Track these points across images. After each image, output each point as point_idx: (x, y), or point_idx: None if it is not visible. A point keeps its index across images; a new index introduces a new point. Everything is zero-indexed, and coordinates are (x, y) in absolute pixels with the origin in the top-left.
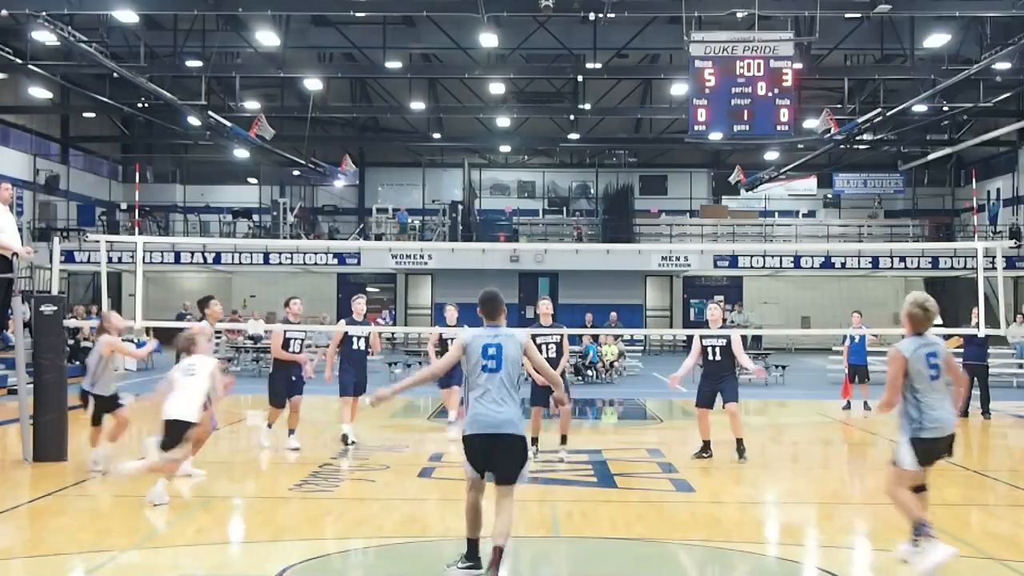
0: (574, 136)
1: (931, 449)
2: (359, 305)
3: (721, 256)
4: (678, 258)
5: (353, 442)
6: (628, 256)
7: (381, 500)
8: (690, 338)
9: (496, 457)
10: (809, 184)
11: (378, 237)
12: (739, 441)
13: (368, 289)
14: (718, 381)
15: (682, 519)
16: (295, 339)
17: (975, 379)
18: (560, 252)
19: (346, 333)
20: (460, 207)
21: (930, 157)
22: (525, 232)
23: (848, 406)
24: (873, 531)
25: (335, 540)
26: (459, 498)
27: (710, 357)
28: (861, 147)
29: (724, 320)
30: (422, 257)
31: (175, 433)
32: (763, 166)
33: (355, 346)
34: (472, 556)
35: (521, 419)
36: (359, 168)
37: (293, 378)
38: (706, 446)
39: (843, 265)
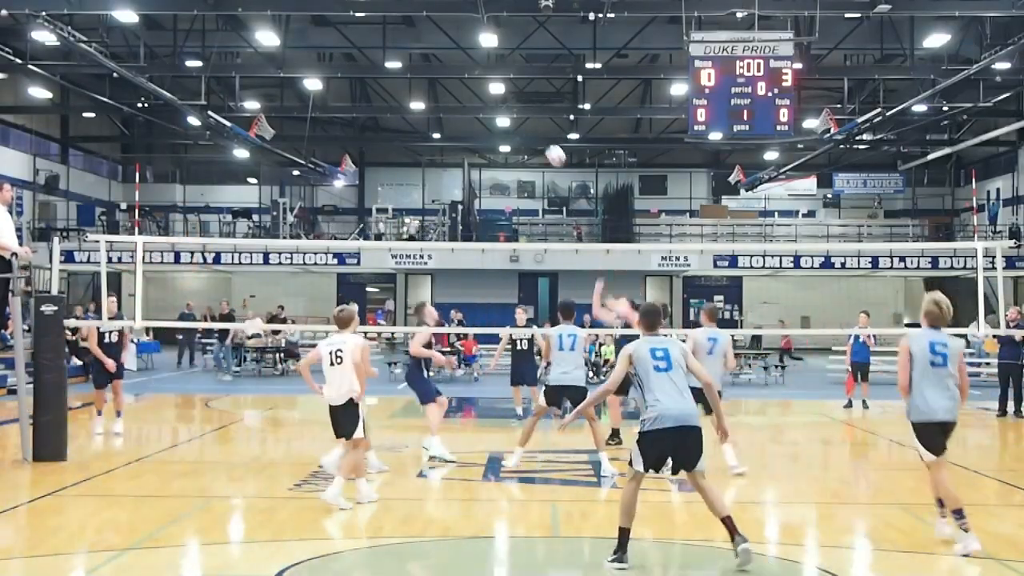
0: (574, 136)
1: (926, 433)
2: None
3: (721, 256)
4: (678, 258)
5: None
6: (628, 256)
7: (380, 500)
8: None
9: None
10: (809, 184)
11: (378, 237)
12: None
13: (368, 289)
14: None
15: (682, 519)
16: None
17: (1010, 379)
18: (560, 252)
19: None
20: (460, 207)
21: (930, 157)
22: (525, 232)
23: (850, 404)
24: (874, 531)
25: (334, 540)
26: (457, 498)
27: None
28: (861, 147)
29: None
30: (422, 257)
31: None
32: (763, 166)
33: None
34: (623, 547)
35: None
36: (359, 168)
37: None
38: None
39: (843, 265)
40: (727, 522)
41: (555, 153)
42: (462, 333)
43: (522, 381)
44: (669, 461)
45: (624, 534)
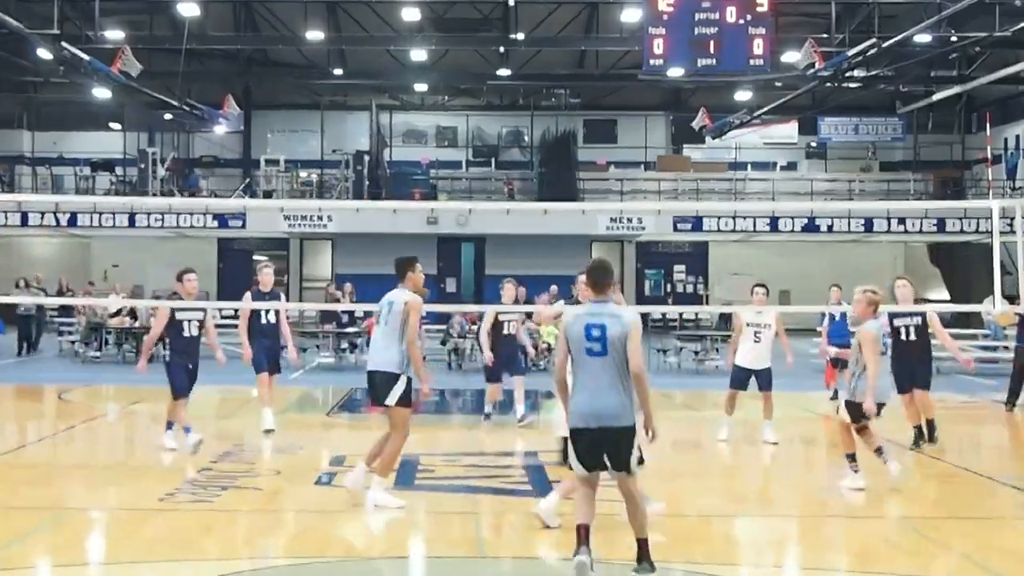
0: (504, 72)
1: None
2: (266, 276)
3: (682, 217)
4: (630, 220)
5: (271, 430)
6: (570, 217)
7: (270, 513)
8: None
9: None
10: (789, 131)
11: (267, 195)
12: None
13: (256, 257)
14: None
15: (610, 534)
16: (189, 320)
17: None
18: (487, 212)
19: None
20: (366, 158)
21: (935, 98)
22: (445, 188)
23: (835, 396)
24: (866, 550)
25: (214, 561)
26: (363, 510)
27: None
28: (852, 85)
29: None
30: (320, 219)
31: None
32: (733, 109)
33: (263, 320)
34: (581, 542)
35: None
36: (244, 111)
37: (190, 366)
38: None
39: (830, 228)
40: (641, 545)
41: None
42: (365, 311)
43: (501, 375)
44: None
45: (581, 530)
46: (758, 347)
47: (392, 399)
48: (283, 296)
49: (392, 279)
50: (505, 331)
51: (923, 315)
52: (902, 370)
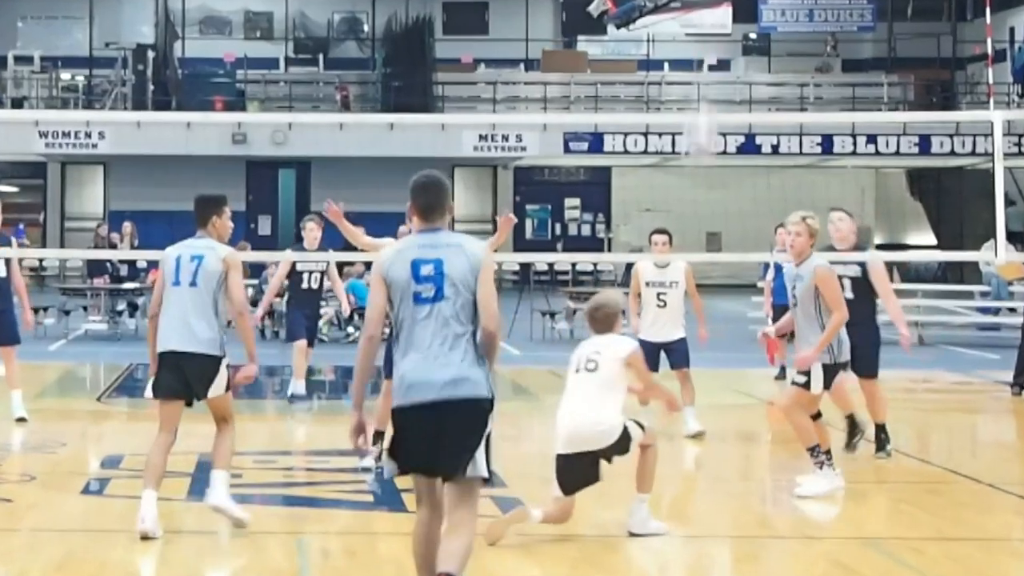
0: None
1: (835, 374)
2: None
3: (576, 134)
4: (506, 137)
5: (22, 419)
6: (425, 134)
7: (23, 532)
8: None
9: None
10: (719, 17)
11: (17, 104)
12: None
13: (1, 188)
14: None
15: (511, 561)
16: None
17: None
18: (313, 128)
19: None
20: (150, 55)
21: None
22: (257, 95)
23: (782, 374)
24: None
25: None
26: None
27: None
28: None
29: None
30: (89, 136)
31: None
32: None
33: (305, 284)
34: None
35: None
36: None
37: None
38: None
39: (775, 149)
40: None
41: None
42: (149, 260)
43: (298, 336)
44: None
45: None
46: (665, 313)
47: (217, 390)
48: (14, 242)
49: (188, 218)
50: (305, 284)
51: (863, 265)
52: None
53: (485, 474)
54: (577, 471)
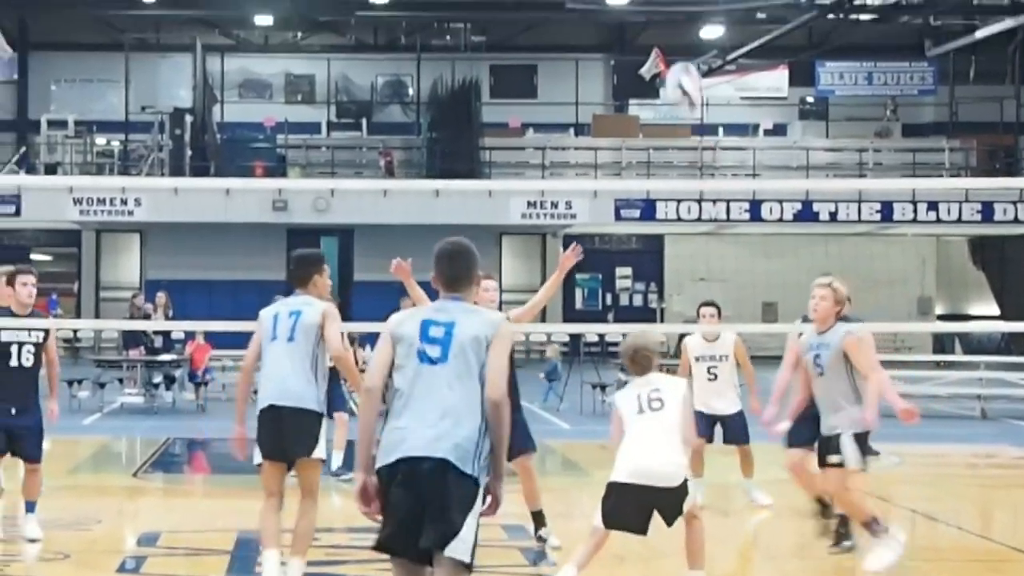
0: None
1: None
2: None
3: (628, 201)
4: (555, 204)
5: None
6: (471, 201)
7: None
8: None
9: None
10: (776, 80)
11: (51, 170)
12: None
13: (33, 256)
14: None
15: None
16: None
17: None
18: (357, 194)
19: None
20: (188, 119)
21: (979, 35)
22: (298, 161)
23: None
24: None
25: None
26: None
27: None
28: (864, 17)
29: None
30: (124, 203)
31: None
32: (698, 50)
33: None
34: None
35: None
36: (18, 52)
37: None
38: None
39: (833, 216)
40: None
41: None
42: (186, 332)
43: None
44: None
45: None
46: (715, 386)
47: (318, 450)
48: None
49: (227, 287)
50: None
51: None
52: (804, 421)
53: (467, 559)
54: (631, 505)
